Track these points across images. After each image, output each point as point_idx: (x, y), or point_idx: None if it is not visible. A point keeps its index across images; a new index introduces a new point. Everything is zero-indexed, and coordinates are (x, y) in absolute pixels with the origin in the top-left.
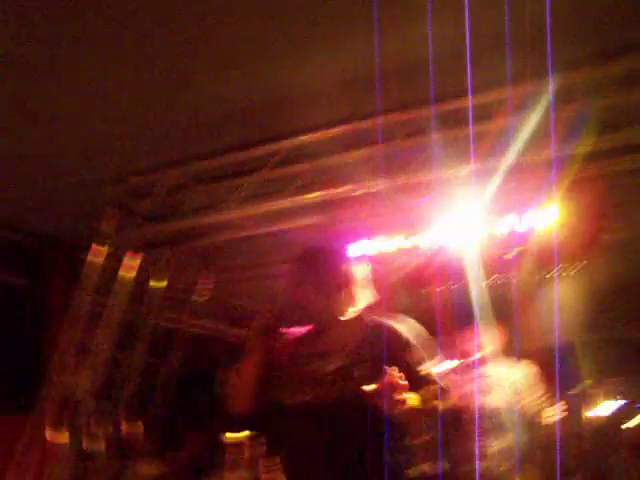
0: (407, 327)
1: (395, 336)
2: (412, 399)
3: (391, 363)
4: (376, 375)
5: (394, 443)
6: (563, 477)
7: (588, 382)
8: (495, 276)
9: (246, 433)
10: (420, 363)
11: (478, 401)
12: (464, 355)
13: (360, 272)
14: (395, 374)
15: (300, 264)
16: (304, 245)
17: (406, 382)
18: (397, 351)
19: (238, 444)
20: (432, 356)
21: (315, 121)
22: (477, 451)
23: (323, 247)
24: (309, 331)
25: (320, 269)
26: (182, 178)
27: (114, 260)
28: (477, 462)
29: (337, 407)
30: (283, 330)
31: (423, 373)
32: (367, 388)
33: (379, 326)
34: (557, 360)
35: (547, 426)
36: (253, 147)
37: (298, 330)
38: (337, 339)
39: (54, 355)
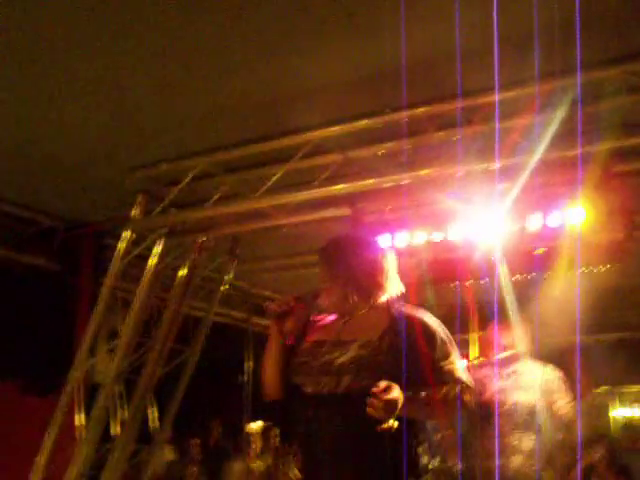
0: (434, 320)
1: (423, 327)
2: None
3: (414, 355)
4: (393, 367)
5: (411, 438)
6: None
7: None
8: (523, 273)
9: (262, 423)
10: (446, 358)
11: (510, 397)
12: (493, 351)
13: (388, 263)
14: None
15: (328, 252)
16: (332, 236)
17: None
18: (422, 342)
19: (256, 433)
20: (455, 351)
21: (344, 113)
22: (507, 447)
23: (352, 236)
24: (335, 319)
25: (348, 257)
26: (211, 166)
27: (141, 246)
28: (507, 458)
29: (349, 399)
30: (313, 317)
31: (447, 368)
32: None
33: (406, 317)
34: (579, 358)
35: (576, 427)
36: (282, 137)
37: (327, 318)
38: (359, 328)
39: (81, 339)
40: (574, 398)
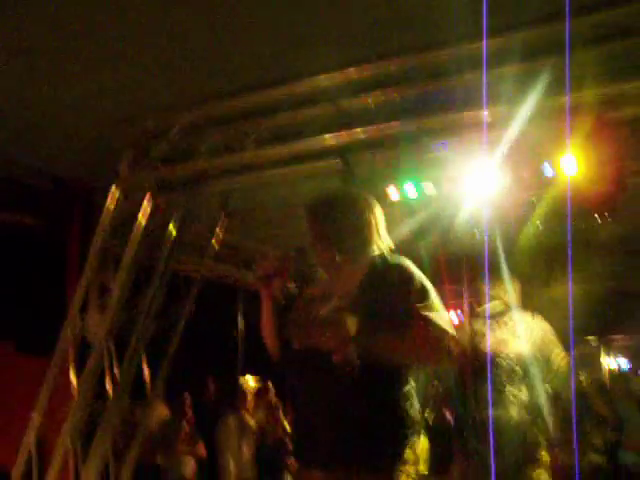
0: (414, 269)
1: (400, 274)
2: None
3: (392, 299)
4: (372, 314)
5: (395, 389)
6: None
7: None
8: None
9: (256, 378)
10: (425, 303)
11: (505, 347)
12: (484, 303)
13: (376, 218)
14: None
15: (315, 210)
16: (320, 192)
17: None
18: (401, 289)
19: (250, 388)
20: (437, 300)
21: (334, 62)
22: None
23: (339, 193)
24: (324, 276)
25: (335, 217)
26: (198, 119)
27: (130, 202)
28: (504, 409)
29: (330, 351)
30: (304, 273)
31: (426, 313)
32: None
33: (386, 265)
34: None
35: (571, 376)
36: (270, 88)
37: (316, 274)
38: (342, 282)
39: (73, 297)
40: (566, 349)
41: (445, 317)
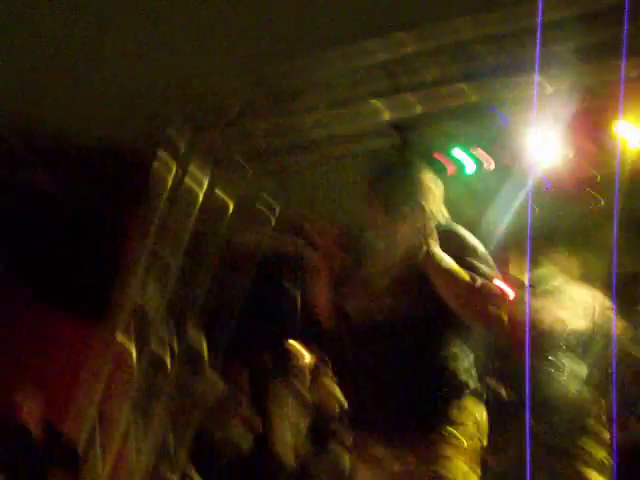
0: (471, 235)
1: (461, 239)
2: None
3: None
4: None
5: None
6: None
7: None
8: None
9: (310, 352)
10: (486, 266)
11: (560, 322)
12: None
13: (439, 189)
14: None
15: (382, 190)
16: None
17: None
18: (458, 250)
19: (305, 359)
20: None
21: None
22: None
23: (403, 160)
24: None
25: (394, 185)
26: (258, 96)
27: (184, 171)
28: (558, 386)
29: (389, 323)
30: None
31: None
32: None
33: (445, 232)
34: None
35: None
36: (328, 65)
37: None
38: (400, 250)
39: (125, 264)
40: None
41: (499, 285)
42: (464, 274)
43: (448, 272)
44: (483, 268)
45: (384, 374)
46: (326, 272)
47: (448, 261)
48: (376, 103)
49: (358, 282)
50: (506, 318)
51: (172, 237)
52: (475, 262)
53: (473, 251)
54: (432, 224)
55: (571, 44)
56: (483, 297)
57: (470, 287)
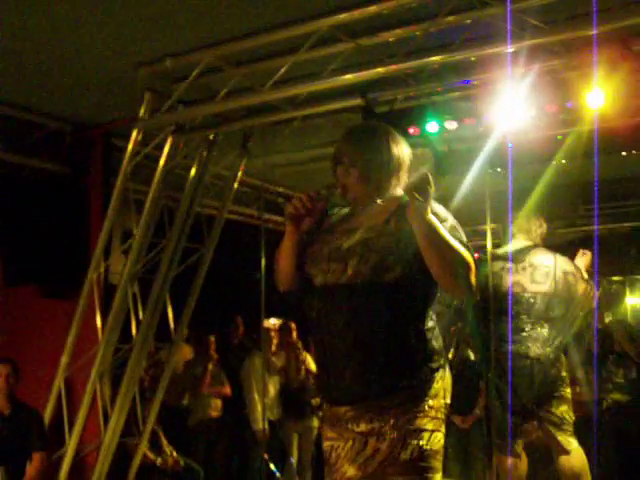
0: (442, 208)
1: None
2: None
3: None
4: (399, 247)
5: (420, 322)
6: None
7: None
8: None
9: (279, 319)
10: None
11: (526, 289)
12: (507, 242)
13: (408, 157)
14: None
15: (347, 142)
16: (350, 125)
17: None
18: None
19: (274, 328)
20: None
21: None
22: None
23: (373, 127)
24: (347, 211)
25: (364, 152)
26: (218, 60)
27: (151, 145)
28: (524, 346)
29: (355, 287)
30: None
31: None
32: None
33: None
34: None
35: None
36: (290, 27)
37: (340, 210)
38: (368, 217)
39: (96, 241)
40: (591, 287)
41: (470, 251)
42: (456, 243)
43: (439, 236)
44: (463, 240)
45: (356, 339)
46: (294, 236)
47: (441, 229)
48: (340, 68)
49: (324, 244)
50: (474, 284)
51: (138, 210)
52: (454, 234)
53: (446, 223)
54: (429, 181)
55: (536, 10)
56: (470, 266)
57: (461, 256)
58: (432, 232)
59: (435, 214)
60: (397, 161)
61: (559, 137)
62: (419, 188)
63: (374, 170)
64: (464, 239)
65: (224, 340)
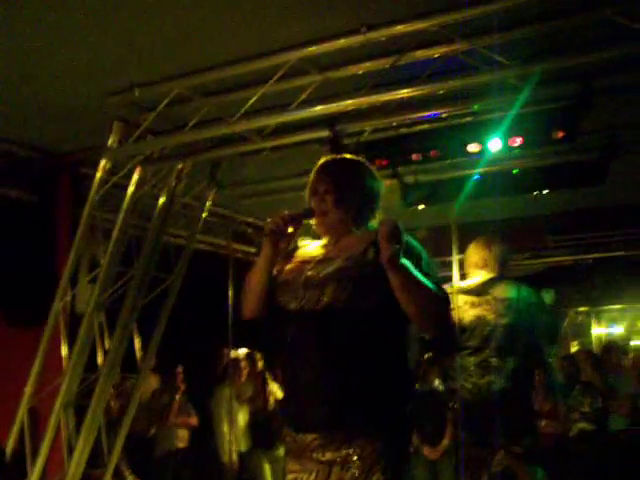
0: (417, 242)
1: (407, 243)
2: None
3: None
4: (377, 278)
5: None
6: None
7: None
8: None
9: (245, 350)
10: (432, 275)
11: (489, 322)
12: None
13: (382, 189)
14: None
15: (335, 172)
16: (326, 156)
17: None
18: (407, 256)
19: (242, 358)
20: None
21: (321, 33)
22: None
23: (348, 159)
24: (323, 241)
25: (356, 182)
26: (187, 90)
27: (120, 175)
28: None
29: (331, 314)
30: (300, 241)
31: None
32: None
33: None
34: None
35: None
36: (258, 59)
37: (314, 242)
38: (345, 247)
39: (62, 269)
40: (555, 319)
41: (444, 289)
42: (429, 284)
43: (414, 281)
44: (436, 276)
45: (324, 363)
46: (270, 255)
47: (416, 274)
48: (308, 100)
49: (299, 273)
50: (451, 322)
51: (105, 239)
52: (426, 270)
53: (420, 258)
54: (401, 229)
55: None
56: (446, 307)
57: (436, 297)
58: (406, 280)
59: (411, 248)
60: (371, 190)
61: (515, 171)
62: (392, 236)
63: (349, 195)
64: (438, 275)
65: (192, 371)
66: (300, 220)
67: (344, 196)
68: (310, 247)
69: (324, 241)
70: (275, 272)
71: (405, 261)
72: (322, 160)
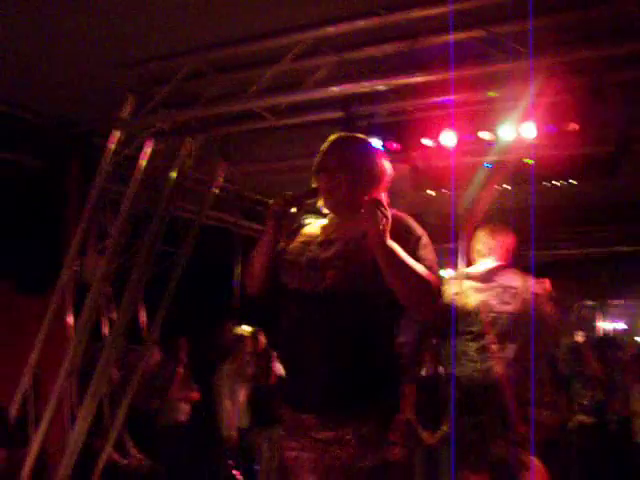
0: (416, 224)
1: (404, 226)
2: None
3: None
4: (375, 261)
5: (390, 336)
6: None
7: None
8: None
9: (249, 328)
10: (424, 258)
11: (493, 309)
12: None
13: (389, 168)
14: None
15: (334, 149)
16: (333, 135)
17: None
18: (403, 241)
19: (247, 335)
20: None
21: (341, 12)
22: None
23: (360, 137)
24: (325, 222)
25: (361, 159)
26: (202, 65)
27: (131, 147)
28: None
29: (332, 297)
30: (303, 220)
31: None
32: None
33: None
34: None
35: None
36: (275, 37)
37: (317, 220)
38: (346, 228)
39: (71, 239)
40: (560, 311)
41: (437, 274)
42: (420, 268)
43: (400, 262)
44: (430, 260)
45: (324, 344)
46: (274, 234)
47: (403, 254)
48: (323, 80)
49: (300, 253)
50: (440, 305)
51: (115, 210)
52: (422, 253)
53: (417, 240)
54: (389, 214)
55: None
56: (434, 291)
57: (423, 281)
58: (391, 260)
59: (410, 230)
60: (380, 171)
61: (529, 161)
62: (373, 214)
63: (358, 173)
64: (433, 258)
65: (197, 346)
66: (303, 201)
67: (354, 173)
68: (314, 225)
69: (327, 221)
70: (279, 249)
71: (391, 242)
72: (333, 137)
